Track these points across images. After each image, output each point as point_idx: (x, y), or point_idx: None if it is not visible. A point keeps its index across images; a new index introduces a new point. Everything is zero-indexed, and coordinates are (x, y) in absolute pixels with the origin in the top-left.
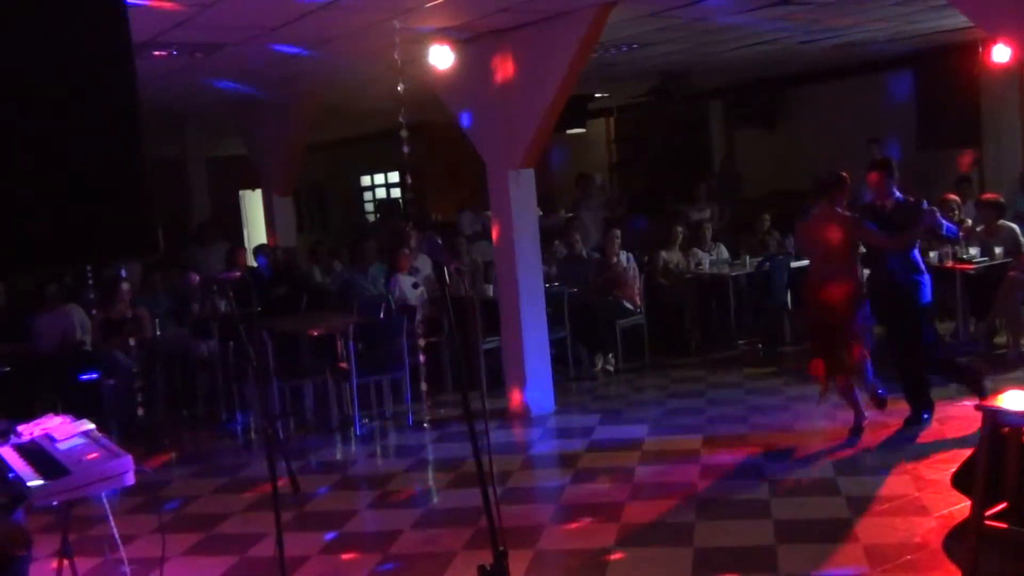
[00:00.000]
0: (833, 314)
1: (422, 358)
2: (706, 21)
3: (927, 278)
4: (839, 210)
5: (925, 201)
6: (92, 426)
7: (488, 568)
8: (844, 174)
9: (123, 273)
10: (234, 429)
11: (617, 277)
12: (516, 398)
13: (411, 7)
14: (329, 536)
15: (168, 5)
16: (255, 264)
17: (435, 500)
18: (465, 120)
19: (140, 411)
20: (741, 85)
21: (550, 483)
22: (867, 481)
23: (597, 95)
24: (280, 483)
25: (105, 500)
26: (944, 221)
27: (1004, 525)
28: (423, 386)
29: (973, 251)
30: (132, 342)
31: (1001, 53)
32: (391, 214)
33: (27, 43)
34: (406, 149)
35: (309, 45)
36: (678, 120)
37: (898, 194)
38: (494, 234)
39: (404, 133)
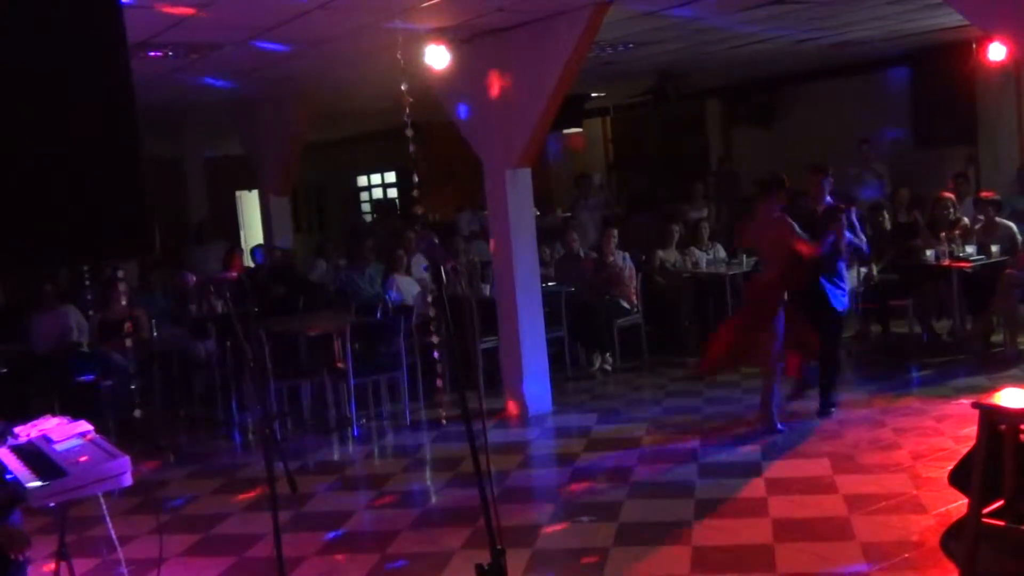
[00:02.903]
0: (761, 311)
1: (436, 354)
2: (702, 21)
3: (846, 288)
4: (776, 212)
5: (854, 209)
6: (89, 427)
7: (486, 567)
8: (782, 176)
9: (119, 274)
10: (231, 429)
11: (613, 276)
12: (513, 397)
13: (408, 7)
14: (327, 536)
15: (164, 6)
16: (252, 262)
17: (433, 500)
18: (462, 119)
19: (137, 412)
20: (738, 84)
21: (548, 482)
22: (864, 479)
23: (594, 94)
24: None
25: (102, 501)
26: (850, 235)
27: (1001, 523)
28: (438, 383)
29: (970, 249)
30: (129, 343)
31: (997, 51)
32: (388, 214)
33: (20, 43)
34: (411, 148)
35: (306, 45)
36: (675, 119)
37: (829, 199)
38: (491, 233)
39: (409, 132)
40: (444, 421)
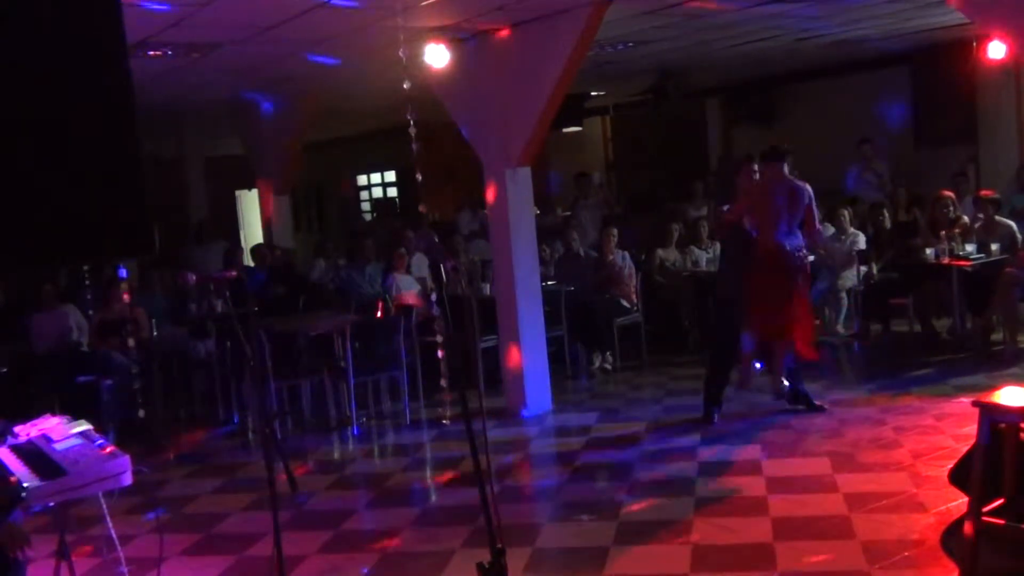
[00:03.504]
0: (794, 279)
1: (441, 353)
2: (702, 18)
3: None
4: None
5: None
6: (89, 426)
7: (486, 566)
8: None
9: (124, 274)
10: (231, 429)
11: (613, 275)
12: (513, 396)
13: (408, 5)
14: (327, 535)
15: (164, 5)
16: (252, 266)
17: (433, 499)
18: (462, 119)
19: (138, 411)
20: (738, 83)
21: (548, 481)
22: (865, 477)
23: (594, 93)
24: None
25: (102, 500)
26: None
27: (1001, 521)
28: (443, 382)
29: (970, 248)
30: (132, 342)
31: (996, 50)
32: (387, 213)
33: (20, 43)
34: (415, 146)
35: (306, 45)
36: (675, 118)
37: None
38: (491, 233)
39: (412, 130)
40: (447, 421)
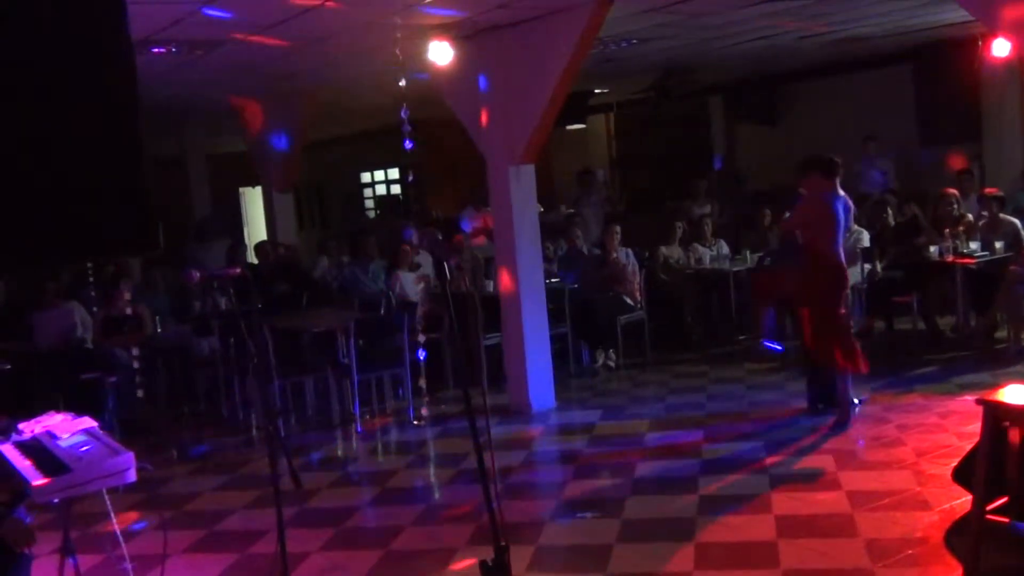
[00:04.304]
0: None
1: (420, 353)
2: (704, 17)
3: None
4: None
5: None
6: (93, 423)
7: (490, 563)
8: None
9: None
10: (235, 426)
11: (617, 273)
12: (517, 394)
13: (411, 3)
14: (329, 532)
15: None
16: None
17: (436, 496)
18: (465, 116)
19: (141, 408)
20: (741, 81)
21: (551, 478)
22: (868, 476)
23: (597, 91)
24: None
25: (106, 497)
26: None
27: (1006, 519)
28: (421, 382)
29: (974, 245)
30: (136, 339)
31: (1001, 48)
32: (392, 211)
33: (26, 41)
34: (409, 145)
35: (309, 42)
36: (679, 116)
37: None
38: (495, 230)
39: (407, 128)
40: (417, 422)
